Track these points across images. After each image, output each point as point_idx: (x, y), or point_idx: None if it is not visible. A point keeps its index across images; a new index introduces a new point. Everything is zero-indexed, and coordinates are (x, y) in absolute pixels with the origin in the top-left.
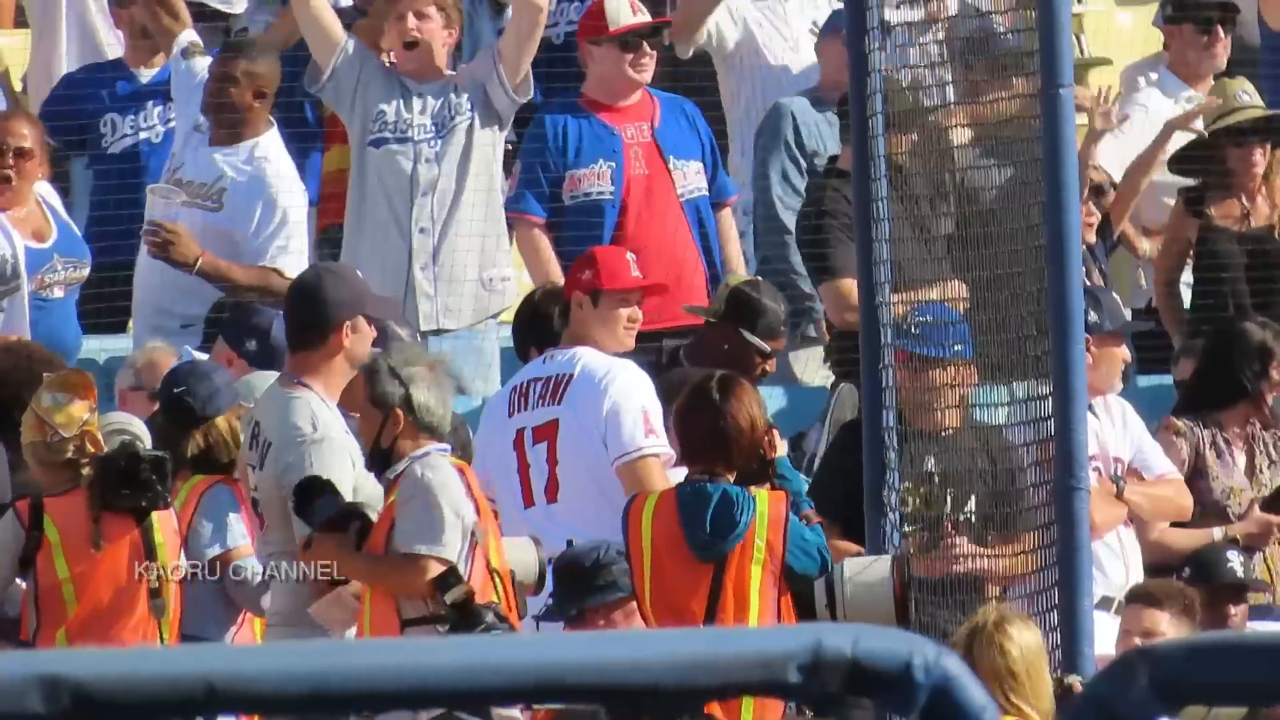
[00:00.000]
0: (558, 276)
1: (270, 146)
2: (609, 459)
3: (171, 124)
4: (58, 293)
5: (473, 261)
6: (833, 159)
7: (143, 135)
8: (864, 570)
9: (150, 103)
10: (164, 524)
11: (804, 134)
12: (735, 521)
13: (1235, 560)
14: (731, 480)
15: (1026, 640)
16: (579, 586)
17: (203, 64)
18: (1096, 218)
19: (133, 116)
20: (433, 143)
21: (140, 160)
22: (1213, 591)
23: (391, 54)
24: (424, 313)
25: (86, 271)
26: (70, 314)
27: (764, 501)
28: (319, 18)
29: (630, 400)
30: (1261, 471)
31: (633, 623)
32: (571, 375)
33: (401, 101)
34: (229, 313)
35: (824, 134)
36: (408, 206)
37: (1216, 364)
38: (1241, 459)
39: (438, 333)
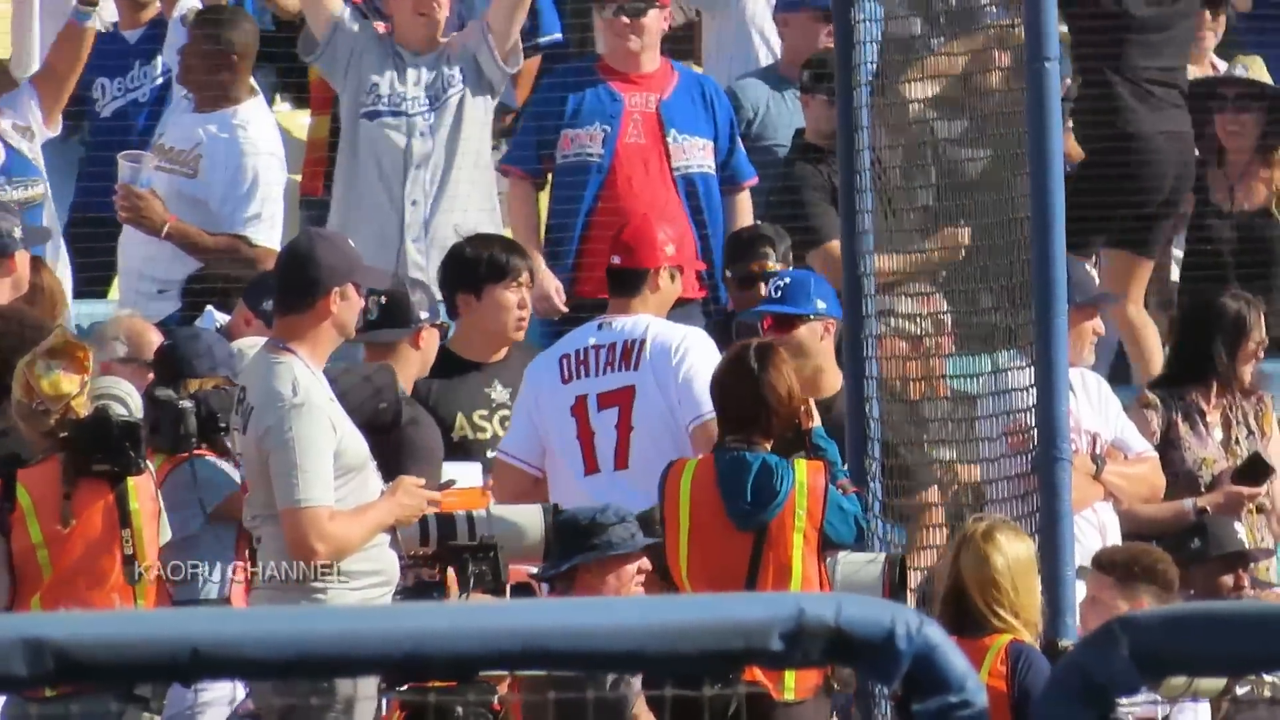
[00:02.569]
0: (534, 231)
1: (251, 114)
2: (682, 423)
3: (157, 80)
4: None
5: (465, 233)
6: (799, 132)
7: (130, 95)
8: (854, 561)
9: (137, 62)
10: (140, 490)
11: (761, 122)
12: (776, 491)
13: (1242, 531)
14: (769, 449)
15: (1015, 550)
16: (572, 543)
17: None
18: None
19: (120, 78)
20: (426, 115)
21: (129, 119)
22: (1223, 562)
23: (387, 23)
24: None
25: (40, 190)
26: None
27: (803, 471)
28: None
29: (706, 364)
30: (1238, 443)
31: (624, 584)
32: (644, 340)
33: (395, 73)
34: (243, 279)
35: (779, 117)
36: (400, 179)
37: (1192, 337)
38: (1218, 431)
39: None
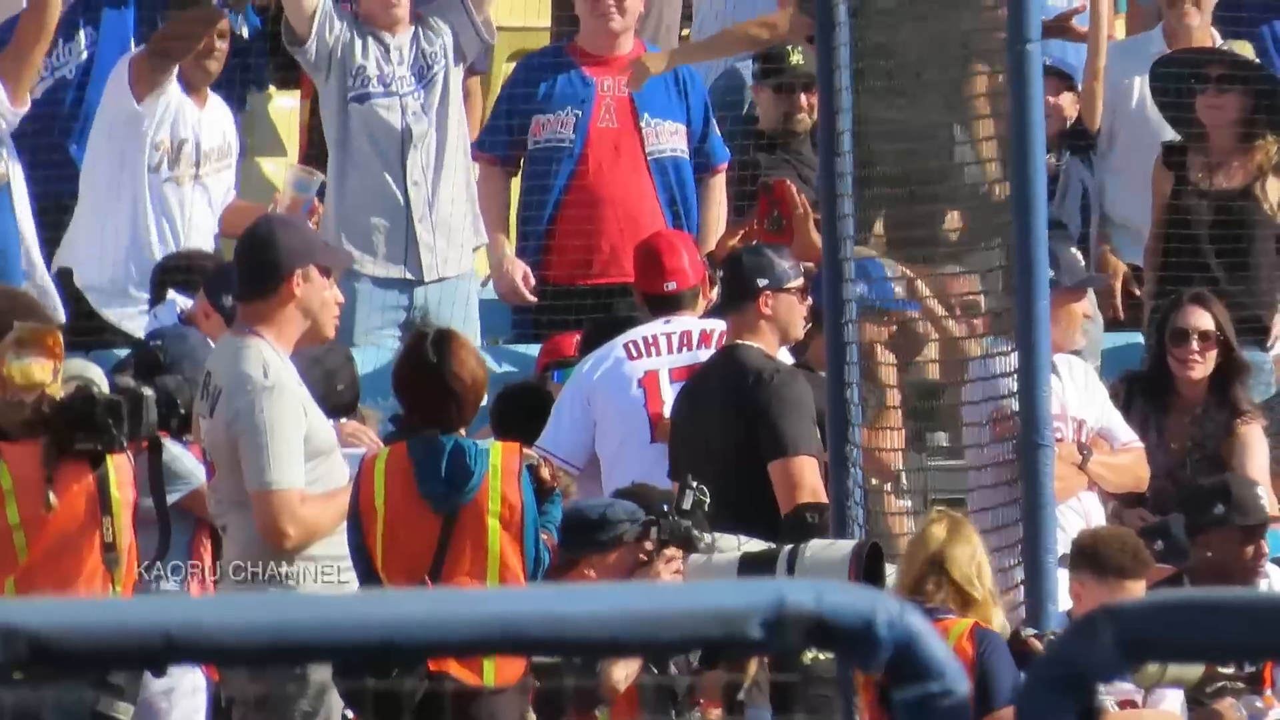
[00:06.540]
0: (503, 217)
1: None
2: None
3: (82, 56)
4: None
5: (465, 210)
6: (754, 120)
7: (58, 74)
8: (826, 549)
9: (60, 40)
10: (120, 473)
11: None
12: (470, 472)
13: (1265, 498)
14: (463, 435)
15: (965, 544)
16: (581, 538)
17: None
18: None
19: (47, 57)
20: (416, 94)
21: (58, 97)
22: (1245, 531)
23: (357, 4)
24: (426, 264)
25: (2, 169)
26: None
27: (498, 453)
28: None
29: None
30: (1184, 466)
31: (611, 572)
32: (716, 330)
33: (380, 55)
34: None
35: None
36: (399, 160)
37: (1156, 342)
38: (1173, 445)
39: (440, 280)
